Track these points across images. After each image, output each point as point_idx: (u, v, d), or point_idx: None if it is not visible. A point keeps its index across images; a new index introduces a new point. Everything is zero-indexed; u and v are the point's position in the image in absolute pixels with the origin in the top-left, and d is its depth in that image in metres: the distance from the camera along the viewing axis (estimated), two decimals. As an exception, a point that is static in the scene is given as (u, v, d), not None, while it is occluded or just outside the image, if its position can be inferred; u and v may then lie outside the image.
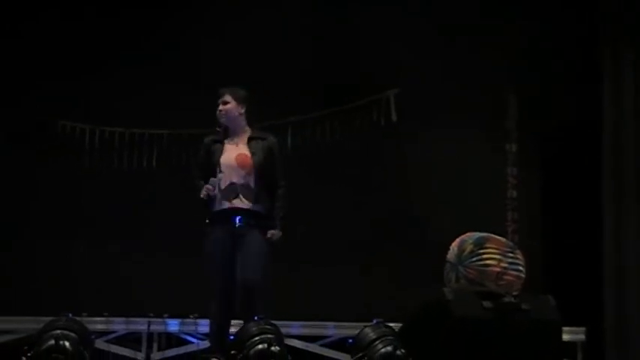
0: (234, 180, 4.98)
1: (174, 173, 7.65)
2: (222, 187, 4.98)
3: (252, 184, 4.99)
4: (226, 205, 4.99)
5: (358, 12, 7.59)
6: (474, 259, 4.22)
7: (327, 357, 6.89)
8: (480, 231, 4.32)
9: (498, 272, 4.19)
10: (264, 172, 5.03)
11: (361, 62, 7.60)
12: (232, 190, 4.97)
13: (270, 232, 5.02)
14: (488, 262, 4.21)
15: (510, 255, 4.24)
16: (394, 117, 7.72)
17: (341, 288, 7.23)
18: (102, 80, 7.49)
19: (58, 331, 3.86)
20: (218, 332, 4.99)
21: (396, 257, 7.34)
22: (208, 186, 5.01)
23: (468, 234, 4.37)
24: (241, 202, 4.98)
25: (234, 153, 5.05)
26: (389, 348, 3.88)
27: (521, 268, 4.25)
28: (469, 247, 4.26)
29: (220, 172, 4.98)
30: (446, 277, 4.34)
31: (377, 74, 7.69)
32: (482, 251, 4.23)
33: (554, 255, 7.43)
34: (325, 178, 7.25)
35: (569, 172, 7.59)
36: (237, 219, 4.95)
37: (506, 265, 4.20)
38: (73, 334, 3.88)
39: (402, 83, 7.72)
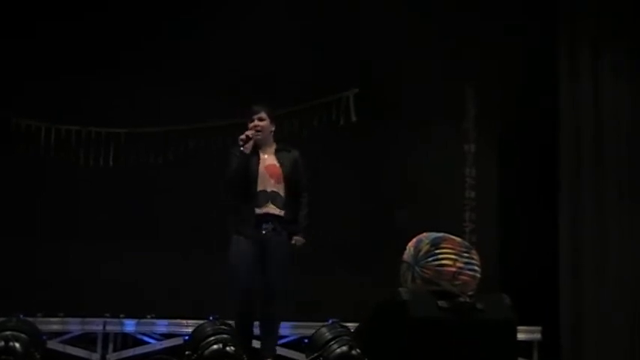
0: (266, 188, 5.30)
1: (133, 171, 7.62)
2: (254, 194, 5.29)
3: (281, 193, 5.31)
4: (257, 211, 5.28)
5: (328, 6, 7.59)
6: (430, 259, 4.22)
7: (283, 357, 6.86)
8: (438, 231, 4.34)
9: (454, 272, 4.20)
10: (291, 182, 5.38)
11: (323, 61, 7.60)
12: (264, 197, 5.29)
13: (295, 239, 5.34)
14: (444, 262, 4.22)
15: (466, 255, 4.25)
16: (353, 117, 7.73)
17: (297, 288, 7.23)
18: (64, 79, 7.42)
19: (8, 332, 3.80)
20: (244, 330, 4.98)
21: (353, 256, 7.35)
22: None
23: (424, 234, 4.37)
24: (272, 209, 5.28)
25: (265, 163, 5.38)
26: (344, 348, 3.88)
27: (476, 268, 4.26)
28: (425, 247, 4.27)
29: (258, 132, 5.35)
30: (402, 277, 4.34)
31: (337, 74, 7.70)
32: (438, 251, 4.24)
33: (511, 254, 7.47)
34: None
35: (527, 172, 7.64)
36: (264, 226, 5.25)
37: (461, 265, 4.22)
38: (23, 335, 3.83)
39: (361, 82, 7.73)
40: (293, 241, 5.31)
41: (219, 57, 7.42)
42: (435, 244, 4.25)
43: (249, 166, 5.34)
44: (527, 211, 7.59)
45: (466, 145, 7.84)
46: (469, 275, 4.21)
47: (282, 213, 5.28)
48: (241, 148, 5.34)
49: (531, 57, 7.60)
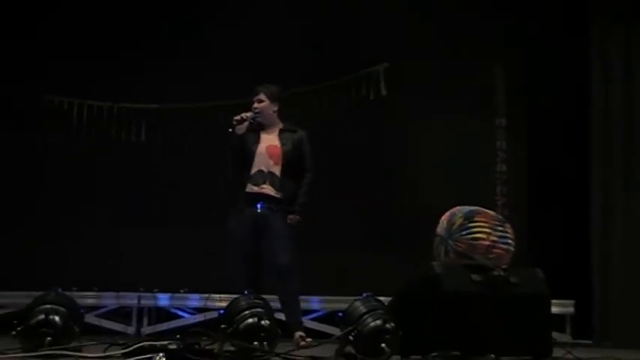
0: (262, 168, 5.33)
1: (165, 148, 7.69)
2: (251, 173, 5.32)
3: (277, 173, 5.33)
4: (254, 189, 5.30)
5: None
6: (464, 232, 4.24)
7: (316, 331, 6.92)
8: (470, 205, 4.34)
9: (488, 245, 4.21)
10: (291, 162, 5.37)
11: (351, 37, 7.59)
12: (260, 177, 5.31)
13: (290, 217, 5.32)
14: (477, 235, 4.23)
15: (500, 229, 4.26)
16: (384, 91, 7.73)
17: (331, 264, 7.28)
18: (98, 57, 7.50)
19: (48, 306, 3.84)
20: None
21: (386, 230, 7.38)
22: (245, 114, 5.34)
23: (457, 207, 4.39)
24: (267, 189, 5.30)
25: (266, 144, 5.40)
26: (378, 321, 3.88)
27: (510, 241, 4.28)
28: (459, 221, 4.28)
29: (256, 114, 5.38)
30: (435, 251, 4.36)
31: (366, 49, 7.69)
32: (471, 225, 4.25)
33: (543, 228, 7.45)
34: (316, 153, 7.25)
35: (557, 145, 7.61)
36: (259, 204, 5.27)
37: (495, 238, 4.23)
38: (62, 309, 3.85)
39: (391, 57, 7.72)
40: (288, 220, 5.31)
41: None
42: (469, 217, 4.26)
43: (247, 146, 5.37)
44: (558, 185, 7.57)
45: (497, 118, 7.81)
46: (503, 249, 4.22)
47: (278, 194, 5.29)
48: (231, 129, 5.34)
49: (562, 33, 7.56)
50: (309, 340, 5.06)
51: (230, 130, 5.32)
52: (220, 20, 7.72)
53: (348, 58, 7.64)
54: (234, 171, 5.47)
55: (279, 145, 5.38)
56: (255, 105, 5.43)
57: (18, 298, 6.46)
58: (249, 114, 5.38)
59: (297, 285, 5.28)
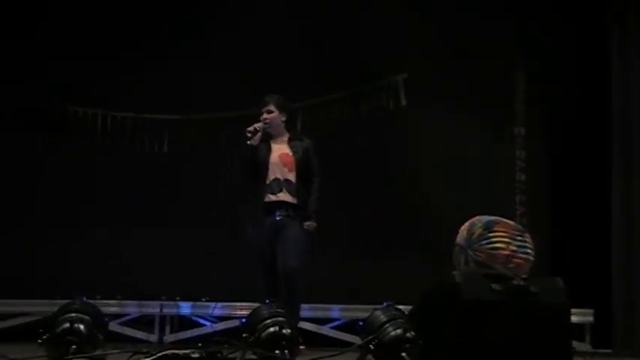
0: (278, 176, 5.43)
1: (187, 158, 7.75)
2: (267, 182, 5.42)
3: (293, 180, 5.43)
4: (272, 198, 5.40)
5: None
6: (484, 242, 4.25)
7: (337, 339, 6.95)
8: (489, 214, 4.35)
9: (507, 255, 4.22)
10: (302, 169, 5.49)
11: (368, 47, 7.62)
12: (277, 185, 5.42)
13: (306, 224, 5.43)
14: (497, 245, 4.24)
15: (519, 238, 4.26)
16: (403, 101, 7.76)
17: (349, 272, 7.30)
18: (115, 65, 7.56)
19: (73, 314, 3.88)
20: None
21: (405, 240, 7.40)
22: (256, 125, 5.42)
23: (477, 217, 4.40)
24: (285, 196, 5.41)
25: (278, 152, 5.51)
26: (399, 330, 3.89)
27: (529, 251, 4.28)
28: (478, 231, 4.29)
29: (266, 124, 5.49)
30: (455, 260, 4.37)
31: (383, 59, 7.71)
32: (491, 234, 4.26)
33: (563, 237, 7.44)
34: (334, 160, 7.30)
35: (578, 154, 7.59)
36: (277, 213, 5.38)
37: (515, 248, 4.23)
38: (87, 317, 3.89)
39: (410, 68, 7.74)
40: (305, 226, 5.41)
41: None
42: (488, 227, 4.27)
43: (259, 156, 5.45)
44: (578, 194, 7.55)
45: (516, 127, 7.81)
46: (522, 258, 4.23)
47: (295, 200, 5.40)
48: (248, 142, 5.44)
49: (581, 36, 7.55)
50: (302, 347, 5.03)
51: (248, 143, 5.38)
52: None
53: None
54: (243, 178, 5.59)
55: (290, 153, 5.49)
56: (265, 116, 5.53)
57: (41, 307, 6.57)
58: (260, 124, 5.43)
59: (302, 290, 5.35)
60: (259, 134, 5.47)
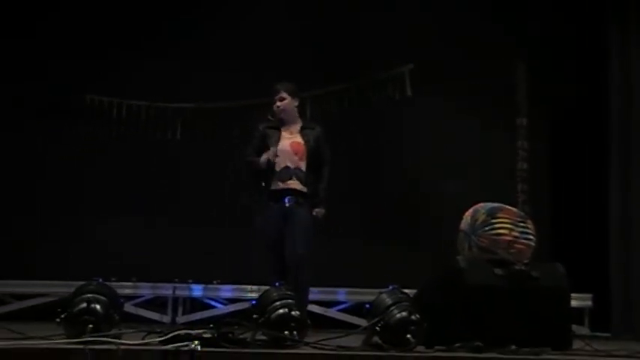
0: (289, 164, 5.44)
1: (200, 146, 7.84)
2: (278, 170, 5.44)
3: (303, 168, 5.46)
4: (281, 185, 5.43)
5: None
6: (487, 228, 4.37)
7: (343, 321, 7.07)
8: (492, 202, 4.46)
9: (510, 241, 4.34)
10: (313, 157, 5.51)
11: (368, 47, 7.69)
12: (287, 173, 5.43)
13: (316, 211, 5.46)
14: (500, 231, 4.35)
15: (521, 224, 4.38)
16: (409, 92, 7.83)
17: (355, 256, 7.41)
18: (129, 56, 7.66)
19: (90, 295, 3.97)
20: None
21: (409, 226, 7.50)
22: (270, 153, 5.45)
23: (480, 204, 4.51)
24: (295, 184, 5.43)
25: (289, 140, 5.51)
26: (404, 313, 3.98)
27: (531, 237, 4.39)
28: (482, 217, 4.41)
29: (277, 156, 5.46)
30: (459, 246, 4.49)
31: (383, 59, 7.78)
32: (494, 221, 4.37)
33: (563, 224, 7.53)
34: (341, 150, 7.39)
35: (578, 144, 7.68)
36: (287, 199, 5.38)
37: (517, 234, 4.35)
38: (103, 298, 3.98)
39: (414, 58, 7.81)
40: (314, 213, 5.44)
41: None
42: (492, 213, 4.38)
43: (267, 144, 5.48)
44: (578, 181, 7.64)
45: (518, 118, 7.88)
46: (524, 244, 4.35)
47: (304, 188, 5.41)
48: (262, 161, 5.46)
49: (581, 36, 7.62)
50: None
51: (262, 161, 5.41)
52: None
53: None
54: (249, 177, 5.61)
55: (302, 142, 5.50)
56: (278, 103, 5.55)
57: (59, 288, 6.72)
58: (272, 154, 5.44)
59: (309, 277, 5.38)
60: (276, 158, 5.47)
